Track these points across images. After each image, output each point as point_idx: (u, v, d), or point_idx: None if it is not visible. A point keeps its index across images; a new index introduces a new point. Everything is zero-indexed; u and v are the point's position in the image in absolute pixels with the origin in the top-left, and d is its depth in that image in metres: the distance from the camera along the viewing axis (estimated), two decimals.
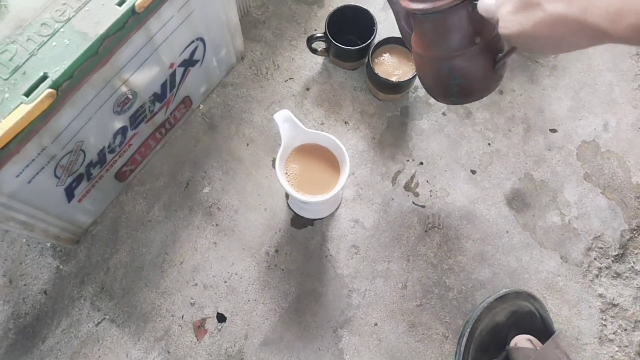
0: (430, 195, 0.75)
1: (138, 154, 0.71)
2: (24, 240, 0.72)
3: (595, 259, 0.73)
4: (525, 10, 0.40)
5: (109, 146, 0.63)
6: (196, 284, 0.70)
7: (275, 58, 0.82)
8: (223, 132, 0.78)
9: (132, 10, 0.49)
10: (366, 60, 0.76)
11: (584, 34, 0.37)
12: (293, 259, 0.72)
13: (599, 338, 0.70)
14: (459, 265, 0.72)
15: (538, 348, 0.63)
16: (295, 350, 0.68)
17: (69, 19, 0.48)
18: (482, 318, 0.67)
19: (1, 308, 0.69)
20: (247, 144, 0.77)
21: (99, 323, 0.69)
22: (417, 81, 0.79)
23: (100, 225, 0.73)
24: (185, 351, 0.68)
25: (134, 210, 0.74)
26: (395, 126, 0.79)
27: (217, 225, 0.73)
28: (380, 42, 0.75)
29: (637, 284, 0.72)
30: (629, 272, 0.72)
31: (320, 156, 0.64)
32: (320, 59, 0.82)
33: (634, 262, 0.73)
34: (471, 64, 0.53)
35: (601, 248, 0.73)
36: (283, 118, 0.62)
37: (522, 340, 0.65)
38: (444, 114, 0.79)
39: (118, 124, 0.62)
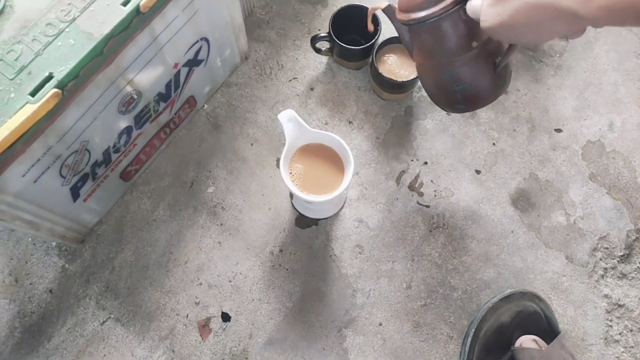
0: (435, 195, 0.75)
1: (143, 154, 0.71)
2: (30, 239, 0.72)
3: (600, 259, 0.72)
4: (502, 1, 0.42)
5: (114, 146, 0.63)
6: (201, 284, 0.71)
7: (279, 58, 0.82)
8: (227, 132, 0.78)
9: (137, 10, 0.49)
10: (370, 59, 0.76)
11: (559, 18, 0.39)
12: (297, 259, 0.72)
13: (605, 339, 0.69)
14: (464, 265, 0.72)
15: (543, 349, 0.63)
16: (300, 350, 0.68)
17: (74, 19, 0.48)
18: (487, 318, 0.66)
19: (7, 307, 0.69)
20: (252, 144, 0.77)
21: (104, 322, 0.69)
22: (420, 82, 0.78)
23: (106, 225, 0.73)
24: (190, 350, 0.68)
25: (139, 210, 0.74)
26: (400, 126, 0.79)
27: (221, 224, 0.73)
28: (384, 41, 0.75)
29: None
30: (635, 272, 0.72)
31: (325, 156, 0.64)
32: (324, 59, 0.82)
33: (639, 263, 0.73)
34: (471, 68, 0.53)
35: (607, 248, 0.73)
36: (287, 118, 0.62)
37: (527, 341, 0.64)
38: (448, 113, 0.79)
39: (123, 123, 0.62)
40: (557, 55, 0.83)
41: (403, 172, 0.76)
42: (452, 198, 0.75)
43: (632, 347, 0.69)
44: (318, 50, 0.78)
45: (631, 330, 0.70)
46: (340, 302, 0.70)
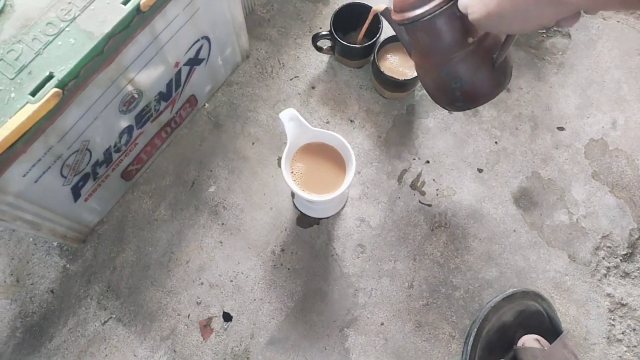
0: (437, 194, 0.75)
1: (144, 153, 0.71)
2: (31, 239, 0.72)
3: (603, 258, 0.72)
4: None
5: (115, 145, 0.63)
6: (202, 283, 0.70)
7: (281, 56, 0.82)
8: (228, 131, 0.78)
9: (138, 9, 0.49)
10: (372, 58, 0.76)
11: (544, 4, 0.39)
12: (299, 258, 0.72)
13: (607, 338, 0.69)
14: (466, 265, 0.72)
15: (546, 348, 0.62)
16: (302, 350, 0.68)
17: (75, 18, 0.48)
18: (489, 318, 0.66)
19: (9, 307, 0.69)
20: (253, 143, 0.77)
21: (105, 322, 0.69)
22: (420, 82, 0.78)
23: (107, 225, 0.73)
24: (192, 350, 0.68)
25: (140, 210, 0.74)
26: (401, 124, 0.78)
27: (223, 224, 0.73)
28: (385, 40, 0.74)
29: None
30: (638, 271, 0.72)
31: (326, 155, 0.64)
32: (325, 57, 0.82)
33: None
34: (468, 65, 0.53)
35: (609, 247, 0.73)
36: (289, 117, 0.61)
37: (529, 340, 0.64)
38: (450, 112, 0.79)
39: (124, 123, 0.62)
40: (560, 53, 0.83)
41: (405, 171, 0.76)
42: (454, 197, 0.75)
43: (635, 346, 0.69)
44: (319, 49, 0.78)
45: (634, 330, 0.69)
46: (342, 302, 0.70)
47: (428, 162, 0.76)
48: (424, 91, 0.80)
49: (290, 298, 0.70)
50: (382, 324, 0.69)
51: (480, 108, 0.79)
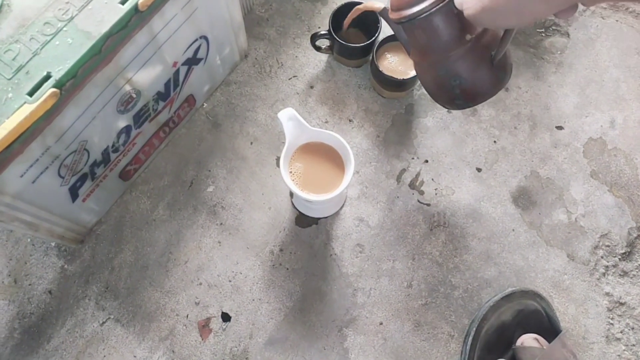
0: (436, 194, 0.75)
1: (142, 153, 0.71)
2: (29, 240, 0.72)
3: (602, 257, 0.72)
4: None
5: (112, 145, 0.63)
6: (201, 283, 0.70)
7: (279, 56, 0.82)
8: (227, 131, 0.77)
9: (135, 9, 0.49)
10: (370, 57, 0.76)
11: None
12: (298, 258, 0.71)
13: (606, 337, 0.69)
14: (465, 264, 0.72)
15: (544, 347, 0.63)
16: (300, 350, 0.68)
17: (72, 18, 0.48)
18: (488, 317, 0.66)
19: (6, 308, 0.69)
20: (251, 143, 0.77)
21: (103, 322, 0.69)
22: (419, 80, 0.78)
23: (105, 225, 0.73)
24: (190, 351, 0.67)
25: (138, 210, 0.73)
26: (400, 124, 0.78)
27: (221, 224, 0.73)
28: (384, 39, 0.74)
29: None
30: (636, 270, 0.72)
31: (325, 155, 0.63)
32: (324, 57, 0.82)
33: None
34: (467, 62, 0.53)
35: (608, 246, 0.73)
36: (287, 116, 0.61)
37: (528, 340, 0.64)
38: (449, 111, 0.79)
39: (122, 123, 0.62)
40: (559, 52, 0.83)
41: (404, 170, 0.76)
42: (453, 196, 0.75)
43: (634, 345, 0.69)
44: (318, 48, 0.78)
45: (632, 329, 0.70)
46: (341, 302, 0.70)
47: (427, 161, 0.76)
48: (423, 90, 0.80)
49: (289, 298, 0.70)
50: (381, 323, 0.69)
51: (478, 107, 0.79)
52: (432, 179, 0.75)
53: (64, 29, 0.47)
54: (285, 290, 0.70)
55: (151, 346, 0.68)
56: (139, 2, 0.49)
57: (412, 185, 0.75)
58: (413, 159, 0.76)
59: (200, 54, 0.67)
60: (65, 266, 0.71)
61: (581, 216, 0.74)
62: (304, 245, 0.72)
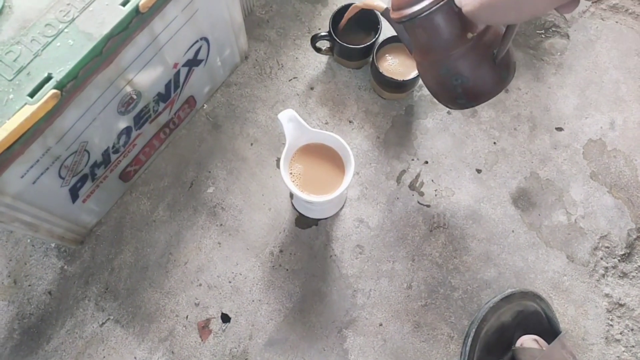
0: (436, 195, 0.75)
1: (142, 154, 0.71)
2: (29, 240, 0.72)
3: (601, 258, 0.72)
4: None
5: (113, 146, 0.63)
6: (200, 284, 0.70)
7: (279, 57, 0.82)
8: (227, 132, 0.78)
9: (136, 10, 0.49)
10: (371, 59, 0.76)
11: None
12: (297, 259, 0.71)
13: (606, 338, 0.69)
14: (465, 265, 0.72)
15: (544, 348, 0.63)
16: (300, 351, 0.68)
17: (73, 20, 0.48)
18: (487, 318, 0.66)
19: (6, 309, 0.69)
20: (252, 144, 0.77)
21: (103, 323, 0.69)
22: (421, 80, 0.78)
23: (105, 226, 0.73)
24: (190, 352, 0.67)
25: (139, 211, 0.73)
26: (400, 125, 0.78)
27: (221, 225, 0.73)
28: (384, 40, 0.74)
29: None
30: (636, 271, 0.72)
31: (325, 156, 0.64)
32: (324, 58, 0.82)
33: None
34: (469, 60, 0.53)
35: (608, 247, 0.73)
36: (287, 117, 0.61)
37: (528, 341, 0.64)
38: (449, 112, 0.79)
39: (122, 124, 0.62)
40: (558, 54, 0.83)
41: (403, 171, 0.76)
42: (453, 197, 0.75)
43: (633, 346, 0.69)
44: (318, 50, 0.78)
45: (632, 330, 0.70)
46: (341, 303, 0.70)
47: (427, 162, 0.76)
48: (423, 92, 0.80)
49: (288, 299, 0.70)
50: (381, 324, 0.69)
51: (478, 108, 0.79)
52: (432, 180, 0.76)
53: (65, 30, 0.47)
54: (285, 291, 0.70)
55: (151, 347, 0.68)
56: (140, 4, 0.49)
57: (412, 186, 0.75)
58: (413, 160, 0.77)
59: (201, 56, 0.68)
60: (65, 267, 0.71)
61: (581, 217, 0.74)
62: (304, 246, 0.72)
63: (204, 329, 0.69)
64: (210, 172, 0.75)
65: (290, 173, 0.63)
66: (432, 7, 0.50)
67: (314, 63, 0.82)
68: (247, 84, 0.80)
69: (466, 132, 0.78)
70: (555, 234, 0.73)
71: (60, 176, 0.57)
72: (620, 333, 0.69)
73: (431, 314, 0.69)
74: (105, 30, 0.48)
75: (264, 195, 0.74)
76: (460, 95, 0.56)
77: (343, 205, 0.74)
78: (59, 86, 0.46)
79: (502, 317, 0.66)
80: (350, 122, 0.78)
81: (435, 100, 0.79)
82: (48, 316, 0.69)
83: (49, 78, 0.46)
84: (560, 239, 0.73)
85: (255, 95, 0.80)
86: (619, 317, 0.70)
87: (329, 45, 0.79)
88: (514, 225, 0.74)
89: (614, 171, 0.76)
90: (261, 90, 0.80)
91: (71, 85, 0.47)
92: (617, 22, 0.85)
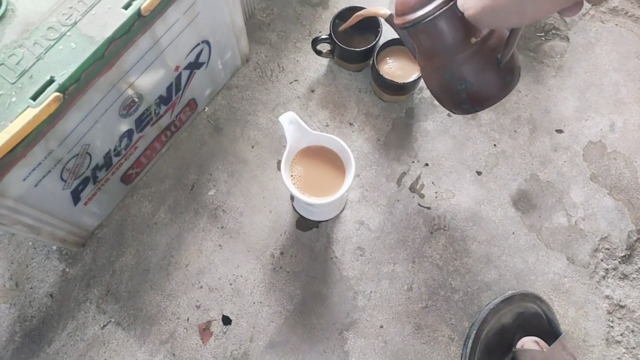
0: (436, 197, 0.75)
1: (144, 157, 0.71)
2: (30, 243, 0.72)
3: (602, 260, 0.72)
4: None
5: (114, 149, 0.63)
6: (201, 287, 0.70)
7: (280, 60, 0.82)
8: (228, 135, 0.78)
9: (138, 14, 0.49)
10: (371, 61, 0.76)
11: None
12: (298, 261, 0.72)
13: (606, 340, 0.69)
14: (465, 267, 0.72)
15: (545, 350, 0.63)
16: (301, 353, 0.68)
17: (76, 23, 0.48)
18: (488, 320, 0.66)
19: (7, 311, 0.69)
20: (253, 146, 0.77)
21: (104, 326, 0.69)
22: (422, 83, 0.79)
23: (106, 228, 0.73)
24: (191, 354, 0.68)
25: (140, 213, 0.74)
26: (401, 128, 0.78)
27: (222, 227, 0.73)
28: (385, 43, 0.75)
29: None
30: (636, 273, 0.72)
31: (326, 158, 0.64)
32: (325, 61, 0.82)
33: None
34: (473, 65, 0.53)
35: (608, 249, 0.73)
36: (288, 120, 0.62)
37: (528, 342, 0.64)
38: (449, 115, 0.79)
39: (124, 127, 0.62)
40: (558, 56, 0.83)
41: (404, 173, 0.76)
42: (453, 199, 0.75)
43: (634, 348, 0.69)
44: (319, 53, 0.78)
45: (632, 331, 0.70)
46: (342, 305, 0.70)
47: (427, 165, 0.77)
48: (423, 94, 0.80)
49: (289, 301, 0.70)
50: (382, 326, 0.69)
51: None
52: (433, 183, 0.76)
53: (68, 33, 0.48)
54: (285, 293, 0.70)
55: (152, 349, 0.68)
56: (142, 7, 0.49)
57: (412, 188, 0.75)
58: (413, 162, 0.77)
59: (202, 59, 0.68)
60: (67, 269, 0.71)
61: (581, 219, 0.74)
62: (305, 248, 0.72)
63: (205, 331, 0.69)
64: (211, 174, 0.76)
65: (291, 175, 0.63)
66: (435, 12, 0.50)
67: (315, 66, 0.82)
68: (248, 86, 0.80)
69: (466, 135, 0.78)
70: (555, 236, 0.73)
71: (62, 179, 0.57)
72: (621, 334, 0.70)
73: (432, 316, 0.70)
74: (108, 33, 0.48)
75: (264, 198, 0.75)
76: (465, 100, 0.56)
77: (344, 208, 0.74)
78: (61, 89, 0.46)
79: (502, 319, 0.66)
80: (350, 124, 0.78)
81: (435, 102, 0.80)
82: (49, 319, 0.69)
83: (51, 81, 0.46)
84: (560, 241, 0.73)
85: (256, 98, 0.80)
86: (620, 318, 0.70)
87: (329, 48, 0.79)
88: (514, 227, 0.74)
89: (614, 173, 0.77)
90: (262, 93, 0.80)
91: (73, 89, 0.47)
92: (616, 24, 0.85)
